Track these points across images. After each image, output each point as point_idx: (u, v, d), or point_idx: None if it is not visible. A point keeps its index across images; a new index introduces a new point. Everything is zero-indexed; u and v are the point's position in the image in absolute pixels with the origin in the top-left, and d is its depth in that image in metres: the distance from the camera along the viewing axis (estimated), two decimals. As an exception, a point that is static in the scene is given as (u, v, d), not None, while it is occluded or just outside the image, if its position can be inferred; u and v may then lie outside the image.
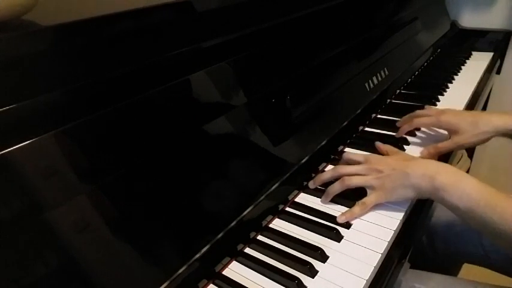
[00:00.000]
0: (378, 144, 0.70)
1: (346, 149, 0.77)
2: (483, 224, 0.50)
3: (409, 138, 0.79)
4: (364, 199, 0.59)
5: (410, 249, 0.59)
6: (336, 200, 0.62)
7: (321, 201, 0.63)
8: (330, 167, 0.72)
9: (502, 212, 0.48)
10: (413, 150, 0.76)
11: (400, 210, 0.59)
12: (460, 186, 0.51)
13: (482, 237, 0.72)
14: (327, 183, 0.63)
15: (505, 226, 0.48)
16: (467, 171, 1.58)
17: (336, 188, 0.61)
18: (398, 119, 0.87)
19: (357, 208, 0.58)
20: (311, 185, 0.65)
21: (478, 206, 0.50)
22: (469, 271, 0.86)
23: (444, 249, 0.78)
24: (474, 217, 0.50)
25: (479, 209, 0.49)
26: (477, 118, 0.71)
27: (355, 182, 0.59)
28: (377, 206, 0.60)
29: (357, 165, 0.62)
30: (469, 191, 0.51)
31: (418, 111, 0.79)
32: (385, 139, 0.80)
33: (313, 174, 0.69)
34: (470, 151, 1.55)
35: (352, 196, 0.61)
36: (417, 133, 0.81)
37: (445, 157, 0.76)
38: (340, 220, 0.57)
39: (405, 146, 0.77)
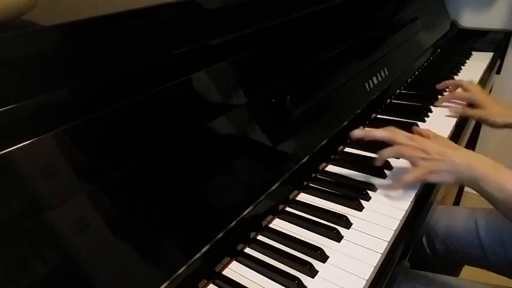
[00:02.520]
0: (417, 128, 0.72)
1: (346, 149, 0.77)
2: None
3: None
4: (405, 176, 0.61)
5: (410, 250, 0.59)
6: (337, 199, 0.62)
7: (374, 162, 0.65)
8: (330, 167, 0.72)
9: None
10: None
11: (400, 210, 0.59)
12: (499, 178, 0.54)
13: (481, 239, 0.72)
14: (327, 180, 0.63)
15: None
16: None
17: (388, 153, 0.63)
18: (398, 119, 0.87)
19: (396, 184, 0.61)
20: (356, 133, 0.67)
21: None
22: (469, 272, 0.86)
23: (444, 250, 0.78)
24: (510, 208, 0.54)
25: None
26: (502, 107, 0.84)
27: (408, 154, 0.62)
28: (377, 206, 0.60)
29: (406, 138, 0.64)
30: (506, 183, 0.54)
31: (461, 81, 0.93)
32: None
33: (313, 174, 0.69)
34: (471, 150, 1.54)
35: (352, 196, 0.61)
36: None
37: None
38: (386, 187, 0.61)
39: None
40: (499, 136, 1.49)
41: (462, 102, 0.91)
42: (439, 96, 0.98)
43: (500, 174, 0.55)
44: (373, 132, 0.66)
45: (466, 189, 1.52)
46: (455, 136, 0.84)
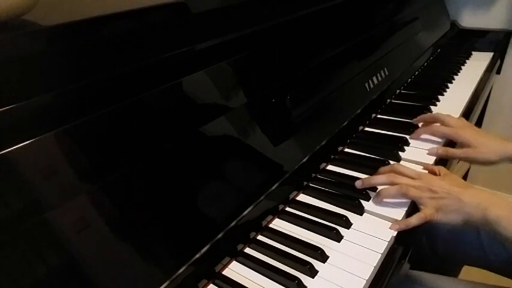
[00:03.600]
0: (429, 166, 0.69)
1: (346, 149, 0.77)
2: None
3: (409, 138, 0.79)
4: (410, 219, 0.57)
5: (410, 250, 0.59)
6: (335, 199, 0.62)
7: (372, 201, 0.62)
8: (330, 166, 0.72)
9: None
10: (412, 151, 0.76)
11: (400, 210, 0.59)
12: None
13: (482, 239, 0.72)
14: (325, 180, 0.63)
15: None
16: (467, 172, 1.58)
17: (391, 193, 0.60)
18: (398, 119, 0.87)
19: (413, 220, 0.57)
20: (358, 184, 0.64)
21: None
22: (469, 272, 0.85)
23: (444, 250, 0.78)
24: None
25: None
26: (496, 142, 0.71)
27: (412, 194, 0.59)
28: (377, 206, 0.60)
29: (411, 178, 0.61)
30: None
31: (439, 116, 0.78)
32: (385, 139, 0.80)
33: (314, 174, 0.69)
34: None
35: (353, 197, 0.61)
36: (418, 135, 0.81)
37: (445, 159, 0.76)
38: (394, 228, 0.56)
39: (405, 147, 0.77)
40: (499, 136, 1.49)
41: (439, 140, 0.77)
42: (439, 96, 0.99)
43: None
44: (372, 181, 0.63)
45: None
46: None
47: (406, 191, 0.59)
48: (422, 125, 0.82)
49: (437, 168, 0.65)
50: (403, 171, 0.63)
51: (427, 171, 0.66)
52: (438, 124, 0.78)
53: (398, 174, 0.63)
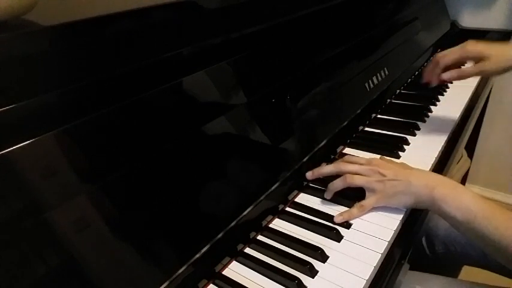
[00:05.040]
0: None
1: (346, 149, 0.77)
2: (480, 236, 0.51)
3: (409, 138, 0.79)
4: (363, 201, 0.59)
5: (410, 250, 0.59)
6: (336, 200, 0.62)
7: (323, 196, 0.63)
8: (330, 167, 0.72)
9: (497, 225, 0.49)
10: (413, 151, 0.76)
11: (400, 211, 0.59)
12: (458, 198, 0.53)
13: None
14: (325, 179, 0.63)
15: (500, 240, 0.49)
16: (467, 171, 1.58)
17: (337, 185, 0.61)
18: (398, 119, 0.87)
19: (355, 210, 0.58)
20: (309, 175, 0.66)
21: (475, 218, 0.51)
22: (469, 273, 0.85)
23: (444, 251, 0.78)
24: (471, 229, 0.51)
25: (476, 221, 0.50)
26: (504, 46, 0.72)
27: (358, 181, 0.60)
28: (377, 206, 0.60)
29: (359, 165, 0.62)
30: (466, 203, 0.52)
31: (440, 53, 0.78)
32: (385, 139, 0.80)
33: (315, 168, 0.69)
34: (470, 151, 1.55)
35: (352, 196, 0.61)
36: (417, 133, 0.81)
37: (445, 157, 0.76)
38: (337, 220, 0.58)
39: (405, 147, 0.77)
40: (499, 136, 1.49)
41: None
42: (439, 96, 0.99)
43: (460, 193, 0.53)
44: (321, 171, 0.65)
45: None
46: (455, 136, 0.84)
47: (351, 180, 0.60)
48: (429, 71, 0.80)
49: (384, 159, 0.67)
50: (353, 160, 0.64)
51: (378, 157, 0.68)
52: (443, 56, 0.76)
53: (349, 162, 0.64)
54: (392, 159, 0.68)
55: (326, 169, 0.64)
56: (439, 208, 0.54)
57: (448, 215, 0.53)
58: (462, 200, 0.52)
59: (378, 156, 0.73)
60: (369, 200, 0.59)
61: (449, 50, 0.77)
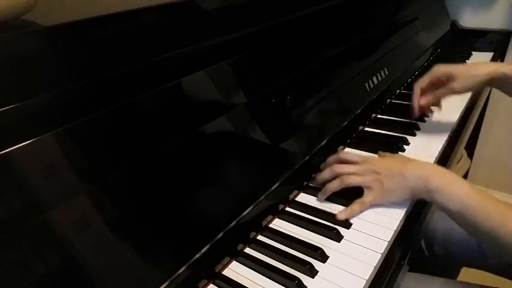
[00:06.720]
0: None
1: (346, 149, 0.77)
2: (473, 227, 0.52)
3: (409, 138, 0.79)
4: (363, 198, 0.59)
5: (410, 250, 0.59)
6: (336, 199, 0.62)
7: (318, 198, 0.63)
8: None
9: (489, 215, 0.50)
10: (413, 151, 0.76)
11: (400, 211, 0.59)
12: (452, 189, 0.53)
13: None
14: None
15: (492, 230, 0.49)
16: (467, 171, 1.58)
17: (334, 186, 0.61)
18: (398, 119, 0.87)
19: (356, 206, 0.59)
20: (320, 199, 0.64)
21: (468, 209, 0.51)
22: (467, 274, 0.85)
23: (443, 253, 0.78)
24: (465, 220, 0.52)
25: (470, 212, 0.51)
26: (470, 65, 0.79)
27: (354, 181, 0.60)
28: (377, 206, 0.60)
29: (354, 165, 0.62)
30: (460, 194, 0.52)
31: (417, 81, 0.81)
32: (385, 139, 0.80)
33: (314, 175, 0.69)
34: (470, 151, 1.55)
35: (351, 196, 0.61)
36: (417, 133, 0.81)
37: (445, 157, 0.76)
38: (339, 217, 0.58)
39: (405, 147, 0.77)
40: (499, 136, 1.49)
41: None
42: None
43: (456, 184, 0.53)
44: (319, 177, 0.64)
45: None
46: (455, 136, 0.84)
47: (347, 181, 0.60)
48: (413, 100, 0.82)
49: (382, 155, 0.67)
50: (348, 159, 0.64)
51: (374, 155, 0.69)
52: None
53: (344, 162, 0.64)
54: (389, 153, 0.68)
55: (323, 175, 0.64)
56: (433, 199, 0.55)
57: (442, 205, 0.54)
58: (455, 191, 0.53)
59: (374, 155, 0.73)
60: (368, 197, 0.59)
61: (420, 78, 0.81)
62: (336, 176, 0.62)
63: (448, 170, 0.57)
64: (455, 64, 0.79)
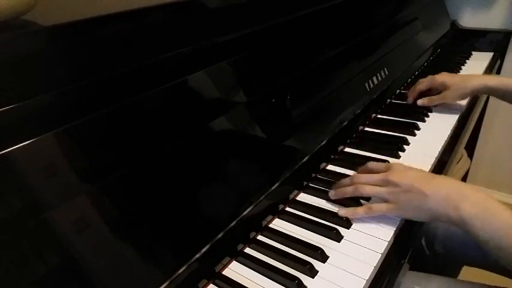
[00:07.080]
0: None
1: (346, 149, 0.77)
2: None
3: (409, 138, 0.79)
4: (373, 204, 0.57)
5: (410, 250, 0.59)
6: (337, 200, 0.62)
7: (329, 194, 0.62)
8: (330, 166, 0.72)
9: None
10: (413, 151, 0.76)
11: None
12: (489, 219, 0.46)
13: None
14: (326, 179, 0.63)
15: None
16: (467, 171, 1.58)
17: (346, 191, 0.60)
18: (398, 119, 0.87)
19: (361, 210, 0.57)
20: (331, 195, 0.62)
21: (509, 243, 0.44)
22: (468, 273, 0.85)
23: (444, 251, 0.78)
24: (505, 255, 0.44)
25: (510, 246, 0.44)
26: (463, 77, 0.89)
27: (366, 191, 0.58)
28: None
29: (376, 174, 0.59)
30: (499, 225, 0.45)
31: (419, 80, 0.93)
32: (385, 139, 0.80)
33: (314, 174, 0.69)
34: (470, 151, 1.55)
35: (354, 198, 0.61)
36: (417, 133, 0.81)
37: (445, 157, 0.76)
38: (340, 213, 0.57)
39: (405, 147, 0.77)
40: (499, 136, 1.49)
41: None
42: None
43: (492, 212, 0.45)
44: (339, 188, 0.61)
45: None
46: (455, 136, 0.84)
47: (360, 190, 0.58)
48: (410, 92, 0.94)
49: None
50: (373, 168, 0.62)
51: (379, 157, 0.71)
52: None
53: (370, 171, 0.61)
54: (410, 166, 0.61)
55: (344, 182, 0.62)
56: (463, 228, 0.48)
57: (477, 238, 0.46)
58: (493, 222, 0.45)
59: (378, 156, 0.73)
60: (379, 206, 0.56)
61: (424, 79, 0.93)
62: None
63: (478, 188, 0.50)
64: (452, 74, 0.91)
